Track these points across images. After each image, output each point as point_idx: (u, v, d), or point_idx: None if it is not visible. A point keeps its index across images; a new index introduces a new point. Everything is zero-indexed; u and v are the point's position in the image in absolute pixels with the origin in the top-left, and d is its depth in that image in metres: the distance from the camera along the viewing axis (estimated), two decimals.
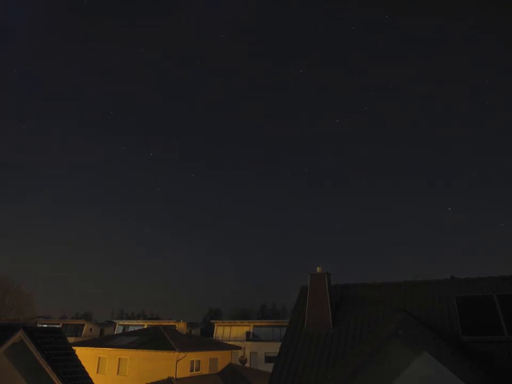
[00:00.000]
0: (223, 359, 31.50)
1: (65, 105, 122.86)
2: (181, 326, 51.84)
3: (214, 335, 48.01)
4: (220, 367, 30.20)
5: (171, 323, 51.16)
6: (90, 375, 14.04)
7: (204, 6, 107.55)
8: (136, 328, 44.15)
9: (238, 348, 36.92)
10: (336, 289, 13.86)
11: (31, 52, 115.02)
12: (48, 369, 12.17)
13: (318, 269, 13.67)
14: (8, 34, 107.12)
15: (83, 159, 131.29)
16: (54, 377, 12.16)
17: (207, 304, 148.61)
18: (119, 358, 28.01)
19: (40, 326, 38.89)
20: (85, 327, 55.89)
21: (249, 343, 44.19)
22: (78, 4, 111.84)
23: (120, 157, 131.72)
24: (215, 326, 49.90)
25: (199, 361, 28.66)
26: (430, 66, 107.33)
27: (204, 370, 28.85)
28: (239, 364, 37.29)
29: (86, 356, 25.41)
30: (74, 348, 14.97)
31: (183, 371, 26.36)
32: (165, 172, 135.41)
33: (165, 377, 24.39)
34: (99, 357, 28.59)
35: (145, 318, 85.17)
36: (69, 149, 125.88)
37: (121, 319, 69.40)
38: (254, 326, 46.82)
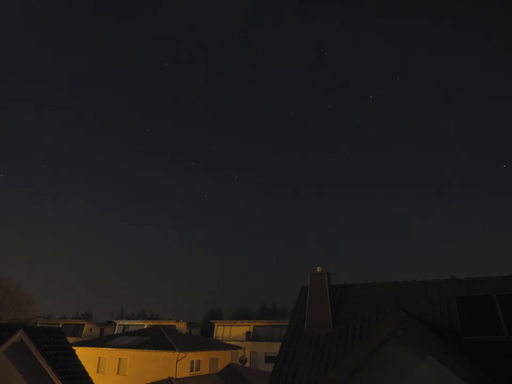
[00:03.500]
0: (223, 359, 31.49)
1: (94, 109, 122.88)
2: (181, 326, 51.82)
3: (214, 335, 47.99)
4: (220, 367, 30.19)
5: (171, 323, 51.14)
6: (90, 375, 14.05)
7: (204, 6, 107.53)
8: (136, 328, 44.13)
9: (238, 347, 36.90)
10: (336, 289, 13.86)
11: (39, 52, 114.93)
12: (48, 369, 12.16)
13: (318, 269, 13.67)
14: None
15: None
16: (54, 377, 12.16)
17: (207, 304, 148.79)
18: (119, 358, 27.99)
19: (40, 326, 38.85)
20: (85, 327, 55.87)
21: (249, 343, 44.17)
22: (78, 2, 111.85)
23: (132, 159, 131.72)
24: (215, 326, 49.88)
25: (199, 361, 28.65)
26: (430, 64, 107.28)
27: (204, 370, 28.84)
28: (239, 364, 37.29)
29: (86, 356, 25.44)
30: (74, 348, 14.96)
31: (183, 371, 26.35)
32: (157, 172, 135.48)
33: (165, 377, 24.37)
34: (99, 357, 28.57)
35: (145, 318, 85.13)
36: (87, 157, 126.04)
37: (121, 319, 69.28)
38: (254, 326, 46.79)
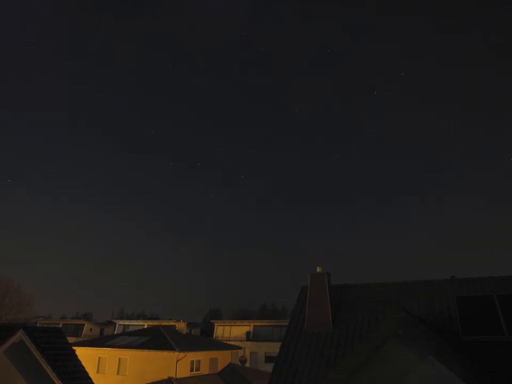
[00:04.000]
0: (223, 359, 31.49)
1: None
2: (181, 326, 51.81)
3: (214, 335, 48.00)
4: (220, 367, 30.19)
5: (171, 323, 51.13)
6: (90, 375, 14.04)
7: (204, 6, 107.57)
8: (136, 328, 44.13)
9: (238, 347, 36.91)
10: (336, 289, 13.85)
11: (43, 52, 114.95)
12: (48, 369, 12.16)
13: (318, 269, 13.67)
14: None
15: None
16: (54, 377, 12.16)
17: (207, 304, 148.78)
18: (119, 358, 27.99)
19: (40, 326, 38.82)
20: (85, 327, 55.89)
21: (249, 343, 44.17)
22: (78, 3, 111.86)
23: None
24: (215, 326, 49.89)
25: (199, 361, 28.65)
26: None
27: (204, 370, 28.84)
28: (239, 364, 37.28)
29: (86, 356, 25.42)
30: (74, 348, 14.95)
31: (183, 371, 26.35)
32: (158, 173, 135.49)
33: (165, 377, 24.37)
34: (99, 357, 28.58)
35: (145, 318, 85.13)
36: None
37: (121, 319, 69.28)
38: (254, 326, 46.80)
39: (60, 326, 48.09)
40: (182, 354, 26.24)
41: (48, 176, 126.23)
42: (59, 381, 12.18)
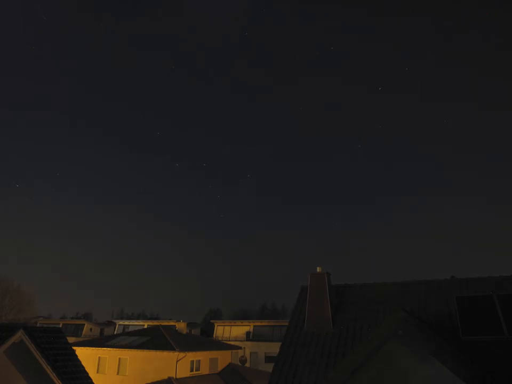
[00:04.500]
0: (223, 359, 31.48)
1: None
2: (181, 326, 51.79)
3: (214, 335, 47.98)
4: (220, 367, 30.18)
5: (171, 323, 51.12)
6: (90, 375, 14.04)
7: (204, 6, 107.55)
8: (136, 328, 44.11)
9: (238, 347, 36.89)
10: (336, 289, 13.85)
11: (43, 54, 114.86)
12: (48, 369, 12.15)
13: (318, 269, 13.67)
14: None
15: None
16: (54, 377, 12.15)
17: (207, 304, 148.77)
18: (119, 358, 27.98)
19: (40, 326, 38.80)
20: (85, 327, 55.86)
21: (249, 343, 44.16)
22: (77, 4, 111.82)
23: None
24: (215, 326, 49.87)
25: (199, 361, 28.64)
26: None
27: (204, 370, 28.83)
28: (239, 364, 37.28)
29: (86, 356, 25.41)
30: (74, 348, 14.95)
31: (183, 371, 26.34)
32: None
33: (165, 377, 24.37)
34: (99, 357, 28.57)
35: (145, 318, 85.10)
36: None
37: (121, 319, 69.24)
38: (254, 326, 46.78)
39: (60, 326, 48.05)
40: (182, 354, 26.23)
41: (48, 176, 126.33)
42: (59, 381, 12.18)
